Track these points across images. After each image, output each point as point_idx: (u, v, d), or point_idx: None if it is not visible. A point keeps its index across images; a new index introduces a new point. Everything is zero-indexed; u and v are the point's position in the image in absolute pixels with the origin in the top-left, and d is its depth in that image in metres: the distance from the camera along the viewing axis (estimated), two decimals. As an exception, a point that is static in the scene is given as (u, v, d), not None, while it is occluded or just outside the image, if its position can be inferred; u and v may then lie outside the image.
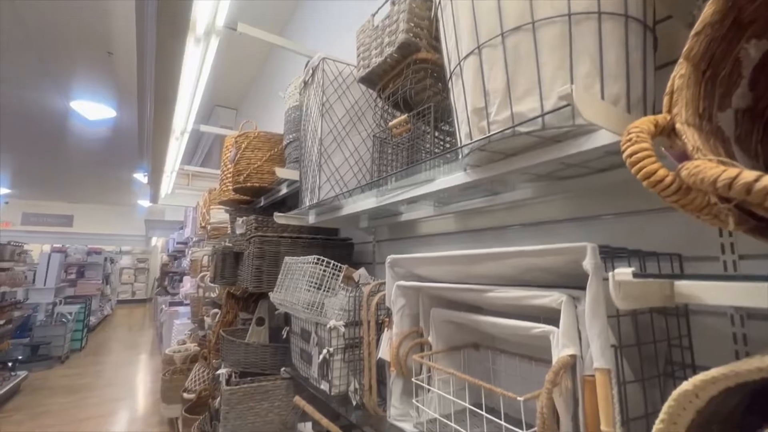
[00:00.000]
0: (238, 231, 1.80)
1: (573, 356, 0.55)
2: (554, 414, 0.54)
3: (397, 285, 0.94)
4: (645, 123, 0.38)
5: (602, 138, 0.51)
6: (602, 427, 0.49)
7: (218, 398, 1.82)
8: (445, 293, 0.86)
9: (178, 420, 2.95)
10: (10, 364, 4.28)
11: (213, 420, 1.77)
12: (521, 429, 0.57)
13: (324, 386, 1.05)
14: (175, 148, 2.79)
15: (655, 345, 0.60)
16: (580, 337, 0.56)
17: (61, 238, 10.35)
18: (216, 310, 2.70)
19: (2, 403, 3.63)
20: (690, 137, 0.36)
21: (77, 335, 5.71)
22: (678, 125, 0.37)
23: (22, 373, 4.19)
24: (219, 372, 1.47)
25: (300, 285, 1.18)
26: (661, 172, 0.33)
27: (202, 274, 3.04)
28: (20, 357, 4.71)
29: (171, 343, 4.61)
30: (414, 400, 0.86)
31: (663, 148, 0.38)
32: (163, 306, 5.59)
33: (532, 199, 0.91)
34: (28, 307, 5.08)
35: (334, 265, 1.11)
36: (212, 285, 2.86)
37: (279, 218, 1.45)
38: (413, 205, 1.25)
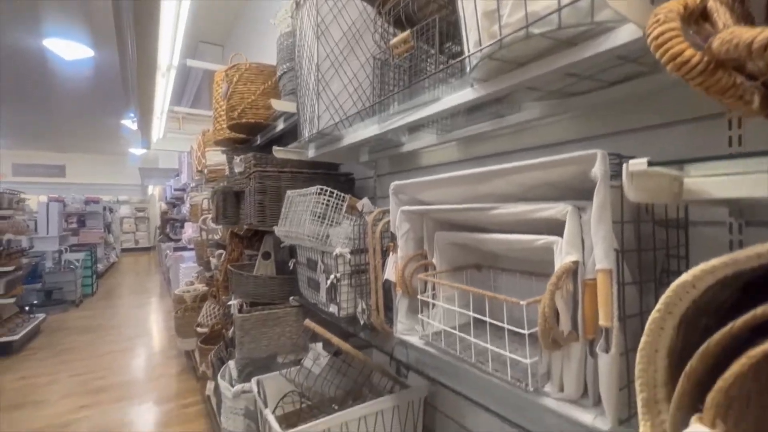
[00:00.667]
0: (237, 170, 1.79)
1: (575, 262, 0.57)
2: (555, 314, 0.57)
3: (402, 210, 0.95)
4: (674, 4, 0.36)
5: (622, 36, 0.48)
6: (600, 322, 0.52)
7: (231, 328, 1.93)
8: (450, 215, 0.87)
9: (194, 351, 3.15)
10: (27, 308, 4.47)
11: (228, 347, 1.89)
12: (523, 330, 0.60)
13: (333, 309, 1.11)
14: (163, 86, 2.66)
15: (654, 253, 0.62)
16: (583, 246, 0.58)
17: (54, 188, 10.26)
18: (220, 251, 2.76)
19: (25, 343, 3.85)
20: (722, 15, 0.34)
21: (87, 281, 5.90)
22: (710, 3, 0.34)
23: (41, 316, 4.39)
24: (230, 303, 1.54)
25: (304, 217, 1.19)
26: (689, 51, 0.32)
27: (203, 217, 3.07)
28: (35, 301, 4.91)
29: (179, 285, 4.79)
30: (419, 315, 0.91)
31: (691, 32, 0.36)
32: (168, 252, 5.71)
33: (539, 119, 0.89)
34: (34, 255, 5.18)
35: (337, 195, 1.12)
36: (215, 227, 2.89)
37: (278, 152, 1.43)
38: (415, 134, 1.22)
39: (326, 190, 1.11)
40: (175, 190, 6.22)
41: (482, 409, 0.81)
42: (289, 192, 1.33)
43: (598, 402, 0.55)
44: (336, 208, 1.11)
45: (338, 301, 1.09)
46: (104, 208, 8.96)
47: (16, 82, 5.36)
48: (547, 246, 0.63)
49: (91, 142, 9.80)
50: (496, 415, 0.74)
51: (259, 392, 1.14)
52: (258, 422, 1.25)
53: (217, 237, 2.89)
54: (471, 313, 0.73)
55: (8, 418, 2.46)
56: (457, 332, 0.78)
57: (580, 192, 0.60)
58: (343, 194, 1.12)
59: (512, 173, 0.65)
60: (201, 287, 3.61)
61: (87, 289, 5.90)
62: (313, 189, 1.16)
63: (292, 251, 1.48)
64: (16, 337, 3.65)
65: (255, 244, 2.25)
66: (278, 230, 1.35)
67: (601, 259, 0.51)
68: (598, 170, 0.51)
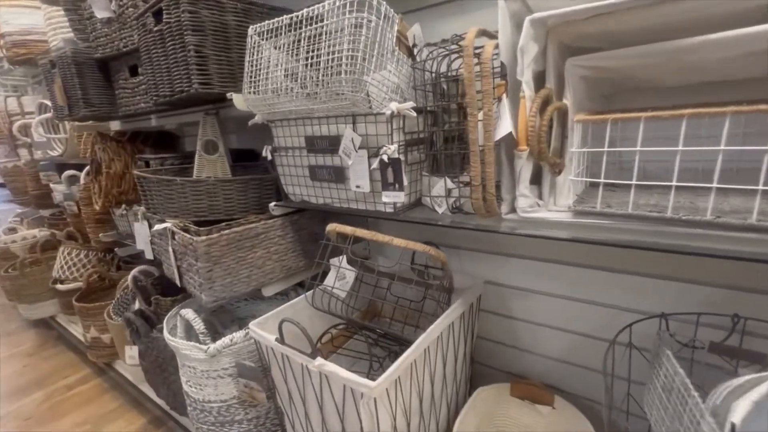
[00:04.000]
0: (104, 14, 1.04)
1: None
2: None
3: (532, 20, 0.59)
4: None
5: None
6: None
7: (130, 280, 1.34)
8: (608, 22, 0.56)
9: (55, 318, 2.28)
10: None
11: (147, 295, 1.31)
12: None
13: (388, 199, 0.74)
14: None
15: None
16: None
17: None
18: (73, 172, 1.86)
19: None
20: None
21: None
22: None
23: None
24: (161, 227, 0.97)
25: (313, 60, 0.70)
26: None
27: (19, 123, 1.96)
28: None
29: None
30: (571, 176, 0.64)
31: None
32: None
33: None
34: None
35: (386, 9, 0.66)
36: (49, 136, 1.90)
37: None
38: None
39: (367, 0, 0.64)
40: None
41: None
42: (255, 27, 0.78)
43: None
44: (382, 37, 0.67)
45: (399, 186, 0.71)
46: None
47: None
48: None
49: None
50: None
51: (282, 338, 0.74)
52: (272, 379, 0.86)
53: (54, 153, 1.91)
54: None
55: None
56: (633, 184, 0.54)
57: None
58: (392, 10, 0.67)
59: None
60: (38, 232, 2.52)
61: None
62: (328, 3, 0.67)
63: (264, 134, 0.97)
64: None
65: (150, 147, 1.53)
66: (250, 98, 0.81)
67: None
68: None
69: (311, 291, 0.90)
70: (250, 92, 0.83)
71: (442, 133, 0.82)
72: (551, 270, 0.94)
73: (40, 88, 2.32)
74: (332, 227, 0.82)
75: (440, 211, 0.74)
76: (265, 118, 0.88)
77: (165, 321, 1.07)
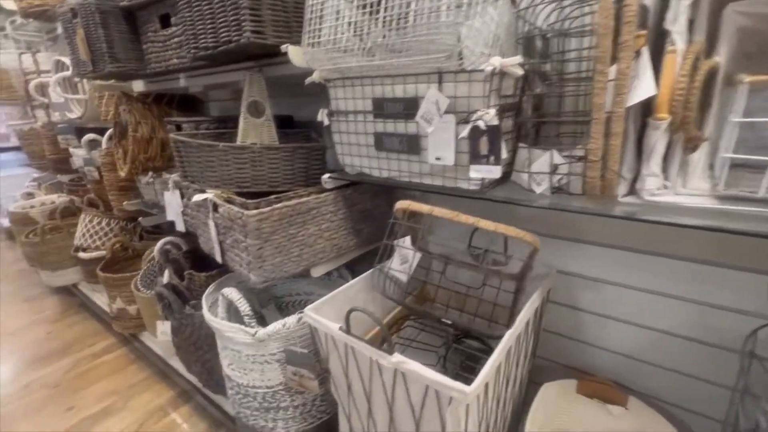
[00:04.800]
0: None
1: None
2: None
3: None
4: None
5: None
6: None
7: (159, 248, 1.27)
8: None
9: (77, 285, 2.26)
10: None
11: (177, 269, 1.24)
12: None
13: (478, 173, 0.63)
14: None
15: None
16: None
17: None
18: (93, 136, 1.77)
19: None
20: None
21: None
22: None
23: None
24: (200, 198, 0.87)
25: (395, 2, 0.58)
26: None
27: (36, 81, 1.85)
28: None
29: (6, 202, 3.31)
30: (722, 153, 0.52)
31: None
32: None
33: None
34: None
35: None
36: (62, 99, 1.79)
37: None
38: None
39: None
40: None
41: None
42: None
43: None
44: None
45: (498, 157, 0.60)
46: None
47: None
48: None
49: None
50: None
51: (348, 327, 0.66)
52: (327, 368, 0.79)
53: (72, 115, 1.80)
54: None
55: None
56: None
57: None
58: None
59: None
60: (57, 198, 2.46)
61: None
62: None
63: (303, 101, 0.85)
64: None
65: (176, 110, 1.42)
66: (310, 51, 0.69)
67: None
68: None
69: (372, 272, 0.81)
70: (310, 44, 0.71)
71: (532, 99, 0.70)
72: (638, 260, 0.84)
73: (56, 45, 2.19)
74: (404, 204, 0.71)
75: (539, 190, 0.63)
76: (323, 77, 0.77)
77: (204, 298, 0.99)
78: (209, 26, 0.80)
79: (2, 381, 1.72)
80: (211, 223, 0.90)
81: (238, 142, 0.88)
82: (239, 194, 0.89)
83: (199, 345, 1.18)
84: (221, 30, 0.77)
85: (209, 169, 0.90)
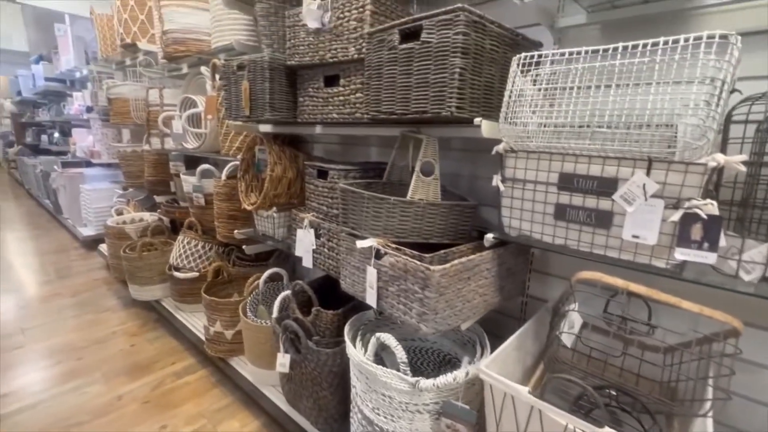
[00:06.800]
0: (315, 25, 1.05)
1: None
2: None
3: None
4: None
5: None
6: None
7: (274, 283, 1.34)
8: None
9: (160, 301, 2.36)
10: None
11: (277, 304, 1.30)
12: None
13: (686, 257, 0.66)
14: None
15: None
16: None
17: None
18: (207, 167, 1.92)
19: None
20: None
21: None
22: None
23: None
24: (364, 245, 0.94)
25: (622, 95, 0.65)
26: None
27: (165, 115, 2.06)
28: None
29: (88, 215, 3.57)
30: None
31: None
32: (55, 167, 4.15)
33: None
34: None
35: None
36: (183, 131, 1.97)
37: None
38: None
39: None
40: (48, 79, 4.36)
41: None
42: (521, 57, 0.74)
43: None
44: (732, 77, 0.60)
45: (715, 245, 0.64)
46: None
47: None
48: None
49: None
50: None
51: (543, 392, 0.68)
52: (499, 421, 0.80)
53: (189, 146, 1.98)
54: None
55: None
56: None
57: None
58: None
59: None
60: (148, 216, 2.64)
61: None
62: None
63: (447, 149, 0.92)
64: None
65: (288, 146, 1.54)
66: (505, 127, 0.77)
67: None
68: None
69: (549, 340, 0.83)
70: (507, 122, 0.79)
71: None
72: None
73: (180, 82, 2.44)
74: (590, 275, 0.75)
75: (747, 278, 0.66)
76: (508, 148, 0.84)
77: (346, 336, 1.04)
78: (399, 95, 0.90)
79: (97, 391, 1.79)
80: (371, 270, 0.96)
81: (408, 197, 0.96)
82: (402, 244, 0.95)
83: (317, 381, 1.21)
84: (418, 100, 0.87)
85: (374, 219, 0.98)
